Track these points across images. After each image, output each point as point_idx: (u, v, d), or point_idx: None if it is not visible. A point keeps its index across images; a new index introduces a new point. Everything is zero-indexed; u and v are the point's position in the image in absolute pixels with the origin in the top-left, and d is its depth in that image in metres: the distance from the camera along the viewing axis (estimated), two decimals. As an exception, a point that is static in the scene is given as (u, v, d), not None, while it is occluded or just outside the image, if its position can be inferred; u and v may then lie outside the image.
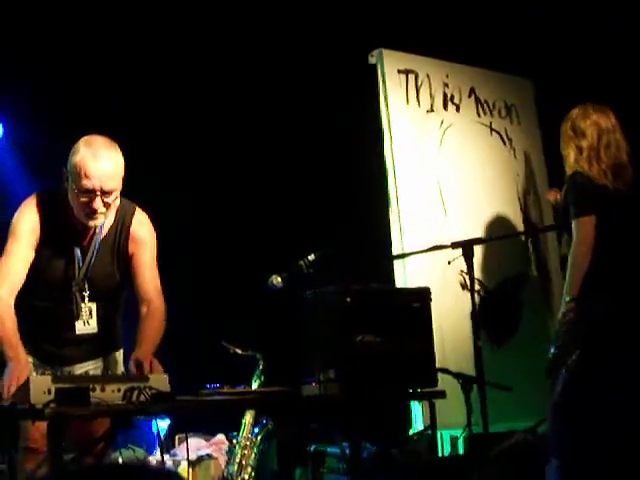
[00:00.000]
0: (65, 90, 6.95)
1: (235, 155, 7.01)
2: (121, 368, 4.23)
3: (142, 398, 3.55)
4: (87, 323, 4.10)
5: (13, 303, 3.95)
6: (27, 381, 3.51)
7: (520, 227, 6.47)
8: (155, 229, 4.28)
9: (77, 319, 4.09)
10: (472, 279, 4.63)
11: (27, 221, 4.03)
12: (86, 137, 4.02)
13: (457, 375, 4.61)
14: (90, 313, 4.11)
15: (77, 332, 4.10)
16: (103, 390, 3.53)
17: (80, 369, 4.18)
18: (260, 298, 4.94)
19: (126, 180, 4.08)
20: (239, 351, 5.64)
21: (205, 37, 6.85)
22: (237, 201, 7.07)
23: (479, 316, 5.10)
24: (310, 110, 6.78)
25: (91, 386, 3.51)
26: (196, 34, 6.84)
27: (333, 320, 4.16)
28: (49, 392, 3.43)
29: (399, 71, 6.11)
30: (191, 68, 6.95)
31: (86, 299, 4.09)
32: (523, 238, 6.48)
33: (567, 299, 4.62)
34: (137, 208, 4.23)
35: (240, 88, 6.93)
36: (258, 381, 5.58)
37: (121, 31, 6.79)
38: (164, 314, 4.16)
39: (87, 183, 3.88)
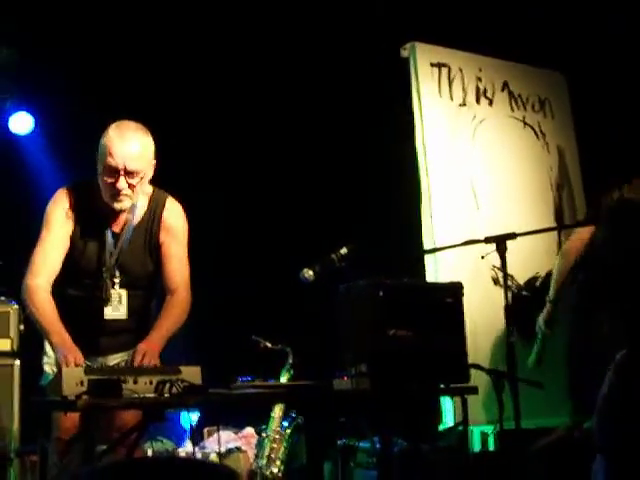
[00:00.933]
0: (96, 83, 6.97)
1: (269, 148, 7.02)
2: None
3: (174, 391, 3.54)
4: (117, 309, 4.12)
5: (50, 291, 3.99)
6: (60, 372, 3.52)
7: (553, 221, 6.42)
8: (187, 222, 4.28)
9: (106, 304, 4.11)
10: (505, 274, 4.57)
11: (60, 210, 4.07)
12: (117, 122, 4.07)
13: (489, 371, 4.57)
14: (120, 299, 4.12)
15: (105, 317, 4.11)
16: (135, 382, 3.53)
17: (114, 360, 4.19)
18: (291, 292, 4.92)
19: (157, 168, 4.12)
20: (269, 345, 5.65)
21: (236, 36, 6.84)
22: (270, 193, 7.07)
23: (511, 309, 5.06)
24: (342, 104, 6.76)
25: (123, 378, 3.51)
26: (228, 33, 6.84)
27: (365, 314, 4.12)
28: (82, 384, 3.43)
29: (432, 64, 6.09)
30: (223, 65, 6.94)
31: (116, 285, 4.11)
32: (555, 233, 6.42)
33: None
34: (170, 197, 4.25)
35: (272, 82, 6.93)
36: (287, 375, 5.58)
37: (157, 24, 6.80)
38: (186, 306, 4.17)
39: (111, 161, 3.93)
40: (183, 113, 6.95)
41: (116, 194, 3.97)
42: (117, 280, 4.11)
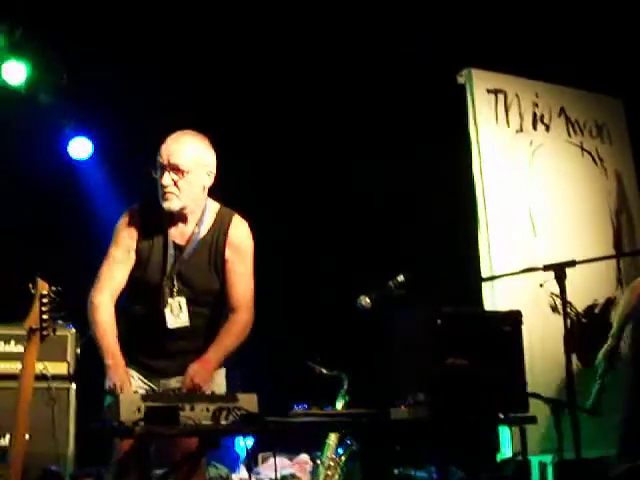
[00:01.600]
0: (155, 107, 7.04)
1: (329, 176, 7.03)
2: (221, 388, 4.16)
3: (231, 419, 3.53)
4: (178, 317, 4.08)
5: (113, 308, 4.02)
6: (117, 398, 3.53)
7: (612, 247, 6.34)
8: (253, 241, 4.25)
9: (165, 310, 4.07)
10: (564, 303, 4.52)
11: (127, 227, 4.11)
12: None
13: (548, 400, 4.52)
14: (180, 307, 4.08)
15: (169, 326, 4.07)
16: (192, 409, 3.52)
17: (177, 382, 4.11)
18: (347, 317, 4.91)
19: (217, 180, 4.13)
20: (324, 371, 5.63)
21: (301, 69, 6.89)
22: (330, 220, 7.07)
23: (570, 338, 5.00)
24: (399, 131, 6.76)
25: (181, 405, 3.50)
26: (294, 66, 6.89)
27: (423, 342, 4.09)
28: (139, 410, 3.44)
29: (488, 91, 6.07)
30: (287, 93, 6.99)
31: (174, 293, 4.08)
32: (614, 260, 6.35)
33: None
34: (237, 215, 4.23)
35: (331, 112, 6.96)
36: (342, 401, 5.55)
37: (218, 53, 6.87)
38: (246, 326, 4.13)
39: (159, 159, 4.00)
40: (248, 139, 6.99)
41: (163, 193, 4.00)
42: (175, 289, 4.08)
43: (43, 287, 3.77)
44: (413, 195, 6.74)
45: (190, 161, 4.02)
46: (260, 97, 6.99)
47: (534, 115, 6.25)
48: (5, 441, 5.09)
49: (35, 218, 7.00)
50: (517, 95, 6.20)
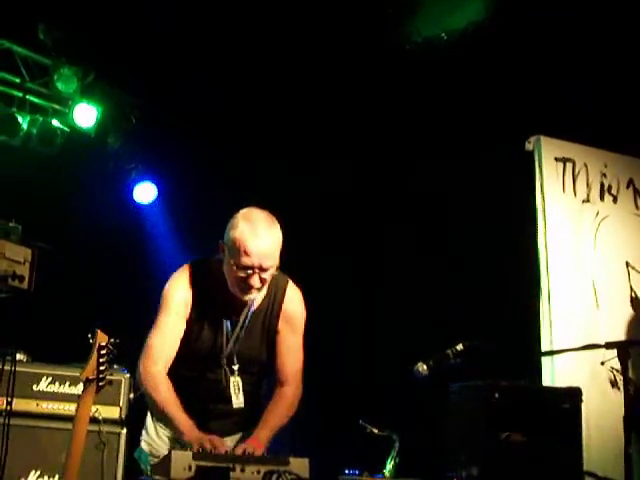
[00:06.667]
0: (219, 154, 7.11)
1: (385, 239, 7.03)
2: None
3: (281, 483, 3.50)
4: (237, 398, 4.03)
5: (169, 380, 3.93)
6: (169, 455, 3.51)
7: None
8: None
9: (228, 392, 4.02)
10: (626, 382, 4.44)
11: (179, 292, 4.01)
12: (245, 211, 3.96)
13: (604, 480, 4.43)
14: (238, 387, 4.04)
15: (234, 406, 4.03)
16: (243, 471, 3.50)
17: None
18: (404, 381, 4.87)
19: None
20: (375, 431, 5.58)
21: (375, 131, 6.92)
22: (390, 284, 7.04)
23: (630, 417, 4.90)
24: (466, 195, 6.73)
25: (232, 466, 3.48)
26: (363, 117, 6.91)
27: (479, 415, 4.05)
28: (189, 468, 3.43)
29: (556, 159, 6.01)
30: (342, 142, 7.03)
31: (235, 373, 4.03)
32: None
33: None
34: (290, 282, 4.15)
35: (394, 174, 6.98)
36: (393, 462, 5.48)
37: (277, 99, 6.92)
38: (295, 400, 4.08)
39: (246, 260, 3.83)
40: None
41: (247, 289, 3.89)
42: (236, 367, 4.03)
43: (102, 338, 3.77)
44: (477, 264, 6.68)
45: (276, 258, 3.91)
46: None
47: (602, 185, 6.18)
48: (56, 481, 5.14)
49: (98, 261, 7.08)
50: (585, 164, 6.13)
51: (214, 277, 4.00)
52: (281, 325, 4.10)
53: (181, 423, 3.81)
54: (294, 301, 4.14)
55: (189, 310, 4.01)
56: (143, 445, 4.22)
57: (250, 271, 3.85)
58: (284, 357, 4.10)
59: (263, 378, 4.23)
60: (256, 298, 4.03)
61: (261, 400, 4.24)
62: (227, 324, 4.03)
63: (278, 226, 3.95)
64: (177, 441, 3.99)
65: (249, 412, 4.12)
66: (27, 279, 5.81)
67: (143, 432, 4.25)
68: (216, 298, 4.02)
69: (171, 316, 3.99)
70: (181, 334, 3.99)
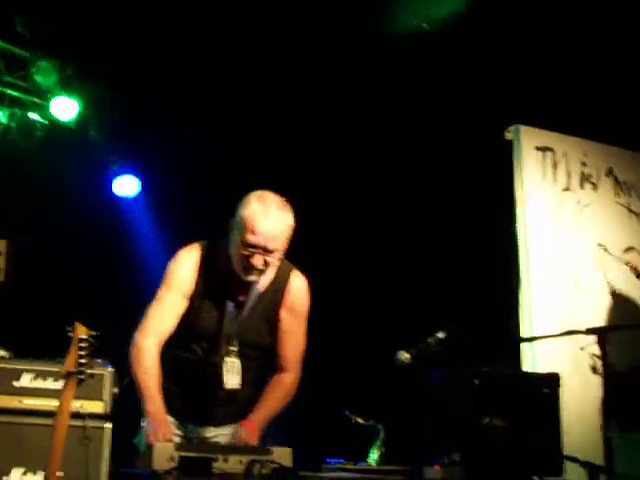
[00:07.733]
0: (203, 148, 7.09)
1: (372, 231, 7.03)
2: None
3: (264, 472, 3.50)
4: (234, 379, 4.00)
5: (159, 354, 3.91)
6: (151, 446, 3.51)
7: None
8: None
9: (222, 372, 3.98)
10: (605, 367, 4.48)
11: (183, 269, 3.98)
12: (259, 192, 3.94)
13: (585, 464, 4.44)
14: (233, 367, 4.00)
15: (225, 387, 3.99)
16: (226, 461, 3.50)
17: (210, 432, 4.10)
18: (386, 369, 4.89)
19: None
20: (360, 420, 5.61)
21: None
22: (372, 275, 7.05)
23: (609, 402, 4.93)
24: (444, 185, 6.76)
25: (214, 456, 3.48)
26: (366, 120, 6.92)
27: (460, 402, 4.07)
28: (172, 459, 3.42)
29: (537, 148, 6.04)
30: (345, 145, 7.04)
31: (232, 354, 3.99)
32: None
33: None
34: (295, 270, 4.12)
35: (370, 167, 6.99)
36: (378, 452, 5.51)
37: (274, 90, 6.91)
38: (293, 386, 4.09)
39: (252, 238, 3.81)
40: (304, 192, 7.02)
41: (249, 268, 3.87)
42: (234, 349, 4.00)
43: (81, 331, 3.76)
44: (456, 251, 6.70)
45: (283, 242, 3.90)
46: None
47: (582, 174, 6.22)
48: (40, 478, 5.10)
49: (79, 255, 7.05)
50: (565, 154, 6.17)
51: (221, 258, 3.97)
52: (284, 312, 4.08)
53: (150, 399, 3.78)
54: (298, 289, 4.11)
55: (192, 288, 3.97)
56: (143, 432, 4.19)
57: (254, 249, 3.83)
58: (285, 343, 4.09)
59: (262, 365, 4.17)
60: (262, 282, 4.00)
61: (254, 394, 4.13)
62: (230, 305, 4.00)
63: (291, 213, 3.93)
64: (177, 428, 4.01)
65: (241, 403, 4.08)
66: (3, 271, 5.76)
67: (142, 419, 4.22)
68: (221, 279, 3.99)
69: (172, 292, 3.96)
70: (180, 312, 3.96)
